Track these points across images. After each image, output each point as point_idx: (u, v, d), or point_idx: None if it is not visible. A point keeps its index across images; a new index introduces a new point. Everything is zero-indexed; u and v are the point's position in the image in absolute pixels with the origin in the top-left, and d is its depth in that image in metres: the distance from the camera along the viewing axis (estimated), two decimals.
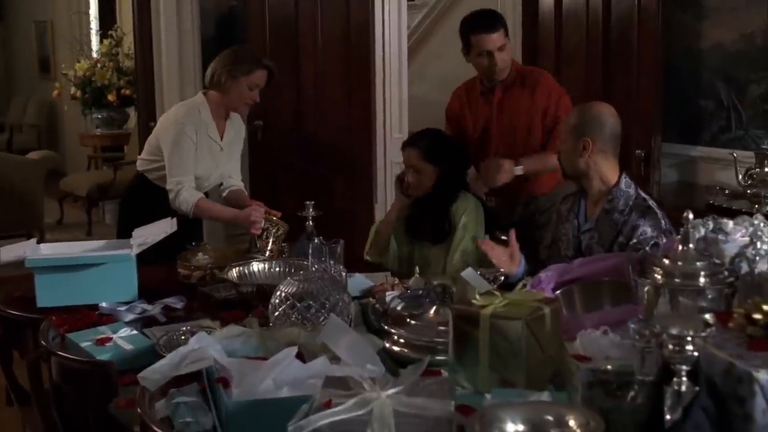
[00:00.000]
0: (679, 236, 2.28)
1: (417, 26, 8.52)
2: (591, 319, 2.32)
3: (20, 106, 12.50)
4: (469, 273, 2.46)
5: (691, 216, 2.15)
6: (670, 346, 1.72)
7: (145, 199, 4.10)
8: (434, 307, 2.50)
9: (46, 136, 12.21)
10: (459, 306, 2.20)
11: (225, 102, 4.05)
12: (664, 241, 3.08)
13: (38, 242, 7.33)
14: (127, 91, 9.01)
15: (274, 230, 3.82)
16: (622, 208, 3.17)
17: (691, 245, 2.13)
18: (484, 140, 4.17)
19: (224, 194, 4.23)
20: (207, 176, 4.05)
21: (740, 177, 4.25)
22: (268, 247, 3.77)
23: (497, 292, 2.22)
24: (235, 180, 4.26)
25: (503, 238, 3.36)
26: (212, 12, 6.62)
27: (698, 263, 2.10)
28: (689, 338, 1.70)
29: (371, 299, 2.75)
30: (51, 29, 11.75)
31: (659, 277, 2.13)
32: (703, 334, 1.69)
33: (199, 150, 3.98)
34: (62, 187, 8.68)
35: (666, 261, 2.15)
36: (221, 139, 4.11)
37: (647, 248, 3.04)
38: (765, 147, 4.26)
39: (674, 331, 1.71)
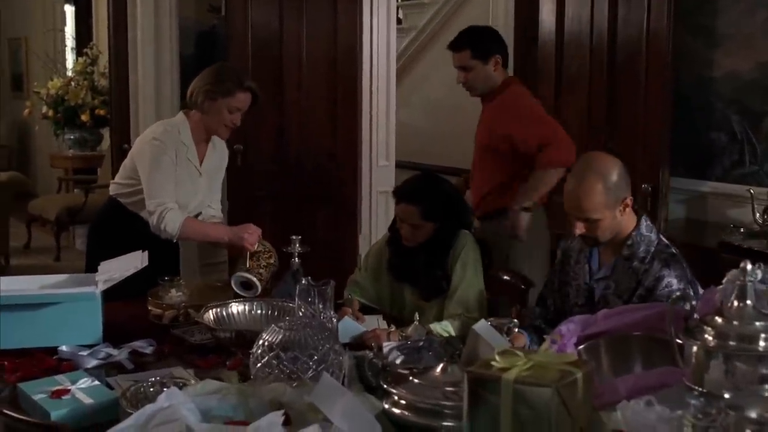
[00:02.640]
0: (721, 287, 1.98)
1: (403, 51, 8.25)
2: (625, 383, 2.02)
3: None
4: (482, 326, 2.15)
5: (749, 266, 1.85)
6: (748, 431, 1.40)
7: (118, 226, 3.73)
8: (441, 365, 2.17)
9: (18, 156, 11.82)
10: (477, 369, 1.87)
11: (204, 124, 3.73)
12: (691, 293, 2.78)
13: (3, 268, 7.01)
14: (102, 111, 8.62)
15: (266, 256, 3.48)
16: (642, 256, 2.85)
17: (749, 301, 1.82)
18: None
19: None
20: (185, 203, 3.71)
21: (757, 215, 3.95)
22: (258, 271, 3.41)
23: (519, 352, 1.90)
24: (215, 210, 3.93)
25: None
26: (192, 30, 6.34)
27: (758, 323, 1.80)
28: None
29: (368, 352, 2.41)
30: (25, 46, 11.38)
31: (711, 338, 1.83)
32: None
33: (178, 173, 3.65)
34: (31, 210, 8.29)
35: (719, 320, 1.84)
36: (200, 164, 3.78)
37: (671, 301, 2.74)
38: None
39: (753, 414, 1.40)
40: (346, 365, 2.33)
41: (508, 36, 7.36)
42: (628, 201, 2.88)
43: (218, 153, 3.90)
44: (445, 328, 3.13)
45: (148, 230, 3.56)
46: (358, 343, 2.91)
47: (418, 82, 8.16)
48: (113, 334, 2.95)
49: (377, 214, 6.15)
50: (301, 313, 2.59)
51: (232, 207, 6.08)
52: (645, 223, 2.92)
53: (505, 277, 3.54)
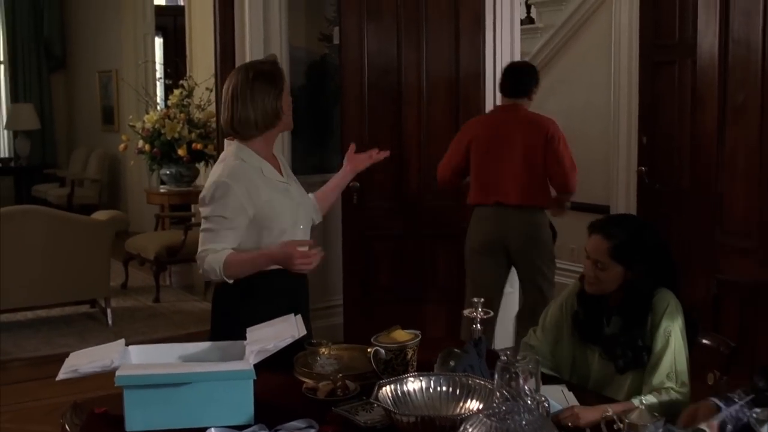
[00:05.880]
0: None
1: (537, 53, 7.99)
2: None
3: (82, 160, 11.92)
4: None
5: None
6: None
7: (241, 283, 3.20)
8: None
9: (108, 191, 11.62)
10: None
11: (280, 129, 3.28)
12: None
13: (104, 311, 6.67)
14: (199, 145, 8.32)
15: (397, 361, 2.80)
16: None
17: None
18: None
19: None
20: (294, 219, 3.27)
21: None
22: None
23: None
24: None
25: None
26: (303, 60, 6.00)
27: None
28: None
29: None
30: (116, 79, 11.21)
31: None
32: None
33: (269, 200, 3.16)
34: (128, 248, 7.98)
35: None
36: (282, 176, 3.30)
37: None
38: None
39: None
40: None
41: (633, 58, 6.90)
42: None
43: (284, 160, 3.46)
44: (648, 403, 2.66)
45: (269, 282, 3.15)
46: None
47: (554, 86, 7.63)
48: (264, 412, 2.54)
49: None
50: (501, 397, 2.15)
51: (347, 246, 5.71)
52: None
53: (705, 341, 3.05)
